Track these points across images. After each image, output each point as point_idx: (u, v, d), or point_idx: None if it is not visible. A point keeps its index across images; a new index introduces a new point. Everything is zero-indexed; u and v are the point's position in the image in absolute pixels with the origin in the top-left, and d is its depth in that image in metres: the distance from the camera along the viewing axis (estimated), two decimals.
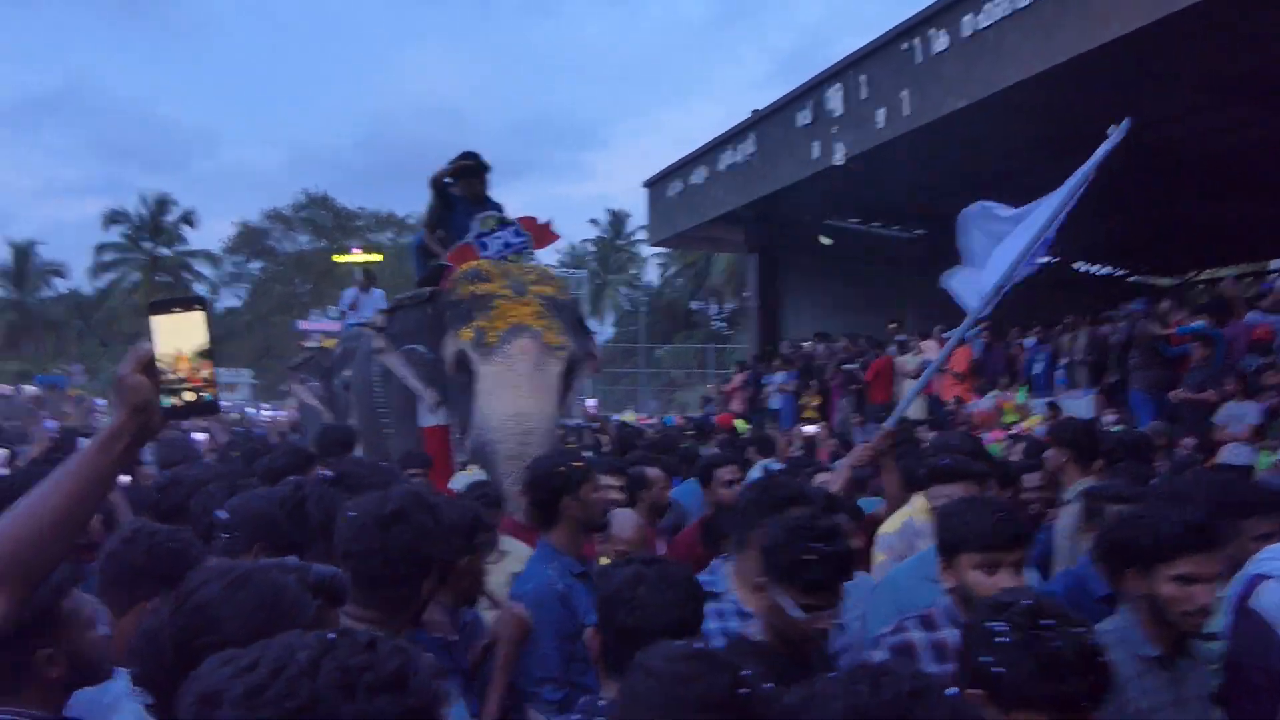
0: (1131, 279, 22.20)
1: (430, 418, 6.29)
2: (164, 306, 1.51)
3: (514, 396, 5.56)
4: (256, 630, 1.35)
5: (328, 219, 39.49)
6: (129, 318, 41.06)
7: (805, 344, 17.08)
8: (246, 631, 1.38)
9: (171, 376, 1.48)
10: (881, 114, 12.53)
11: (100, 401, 18.82)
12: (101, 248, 40.75)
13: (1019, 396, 11.57)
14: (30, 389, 22.53)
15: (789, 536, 2.32)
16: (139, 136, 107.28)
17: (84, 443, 5.42)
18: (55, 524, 1.43)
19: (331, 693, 0.91)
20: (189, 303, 1.52)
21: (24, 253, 43.03)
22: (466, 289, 6.08)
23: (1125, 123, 4.65)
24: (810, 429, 7.21)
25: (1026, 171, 14.07)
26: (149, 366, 1.47)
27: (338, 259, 29.99)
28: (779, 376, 15.73)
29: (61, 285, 45.37)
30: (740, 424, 13.34)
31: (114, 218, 40.66)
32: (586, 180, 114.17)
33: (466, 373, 5.85)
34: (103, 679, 1.91)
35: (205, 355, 1.50)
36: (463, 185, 7.00)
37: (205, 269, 41.34)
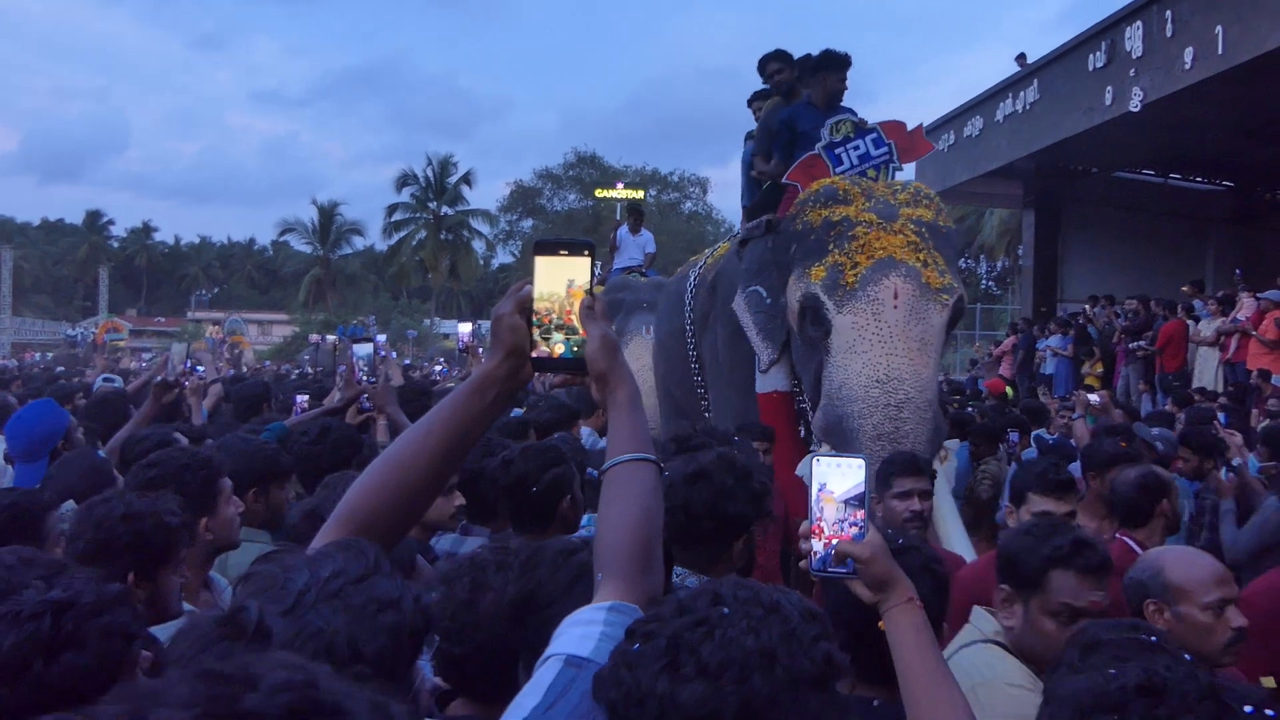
0: None
1: (765, 381, 5.11)
2: (550, 248, 1.35)
3: (883, 356, 4.28)
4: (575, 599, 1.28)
5: (594, 176, 40.78)
6: (414, 272, 44.50)
7: (1084, 306, 15.90)
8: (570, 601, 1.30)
9: (546, 322, 1.33)
10: (1189, 53, 11.33)
11: (392, 354, 20.51)
12: (392, 208, 44.16)
13: None
14: (332, 338, 24.80)
15: None
16: (438, 107, 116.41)
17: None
18: (423, 479, 1.32)
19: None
20: (577, 246, 1.35)
21: (328, 214, 47.81)
22: (816, 214, 4.78)
23: None
24: (1094, 397, 6.65)
25: None
26: (527, 309, 1.32)
27: (600, 193, 30.74)
28: (1055, 340, 14.74)
29: (359, 243, 50.13)
30: (1009, 389, 12.65)
31: (404, 180, 43.95)
32: None
33: (817, 324, 4.58)
34: None
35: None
36: (817, 84, 5.59)
37: (483, 227, 43.97)
